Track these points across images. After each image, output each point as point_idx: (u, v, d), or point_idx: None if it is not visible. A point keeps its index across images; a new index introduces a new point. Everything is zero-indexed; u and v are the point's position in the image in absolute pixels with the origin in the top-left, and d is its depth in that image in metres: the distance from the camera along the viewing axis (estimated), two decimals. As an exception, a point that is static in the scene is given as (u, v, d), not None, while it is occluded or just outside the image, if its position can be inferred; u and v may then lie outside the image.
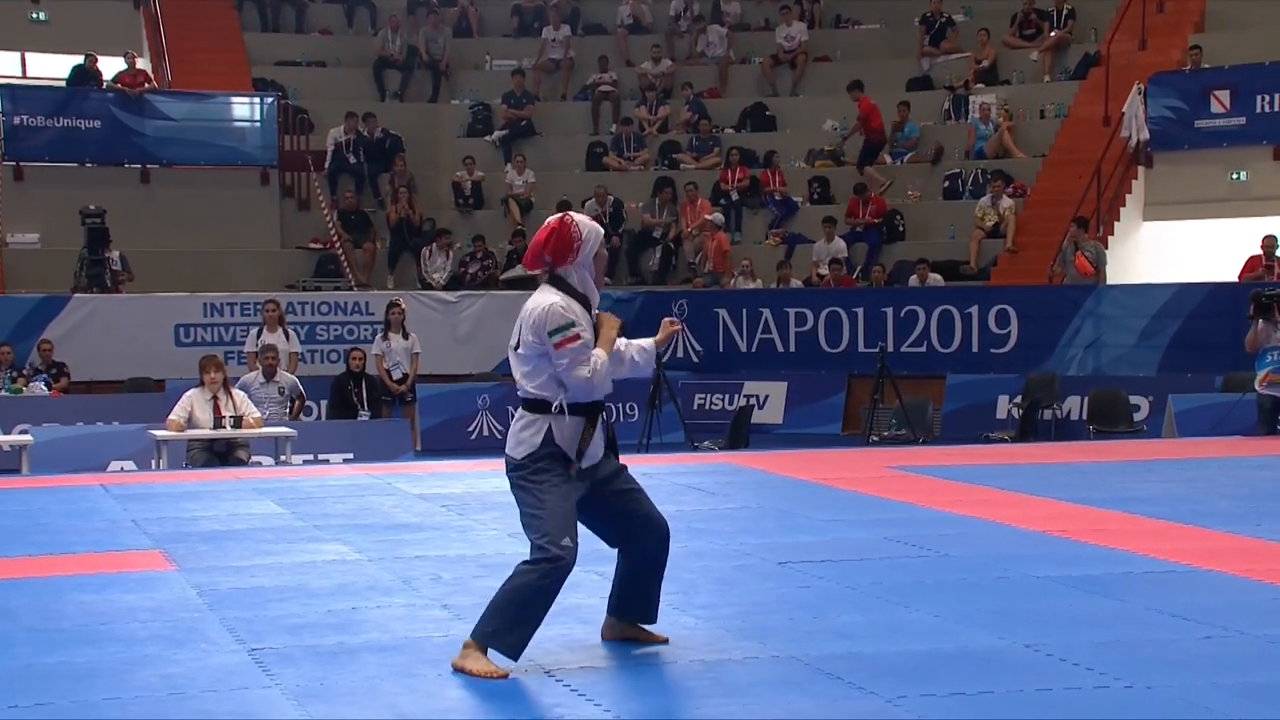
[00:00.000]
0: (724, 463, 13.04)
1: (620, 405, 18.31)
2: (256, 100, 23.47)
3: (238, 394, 14.50)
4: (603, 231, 6.08)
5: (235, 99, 23.51)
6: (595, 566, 6.74)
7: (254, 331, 17.87)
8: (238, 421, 14.07)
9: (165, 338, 19.47)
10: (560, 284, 5.88)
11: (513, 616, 5.74)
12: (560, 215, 5.96)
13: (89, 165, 22.49)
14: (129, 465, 14.82)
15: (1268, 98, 20.76)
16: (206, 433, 14.05)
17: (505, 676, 5.68)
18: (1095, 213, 20.81)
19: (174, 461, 14.22)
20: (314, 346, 19.64)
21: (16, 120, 22.07)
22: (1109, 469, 12.11)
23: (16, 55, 25.12)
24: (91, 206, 19.83)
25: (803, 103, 24.97)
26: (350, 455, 15.61)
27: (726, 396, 20.11)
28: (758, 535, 8.89)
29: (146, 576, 7.83)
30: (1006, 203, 21.60)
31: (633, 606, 6.20)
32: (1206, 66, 21.56)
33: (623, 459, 6.13)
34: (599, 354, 5.85)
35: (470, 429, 18.71)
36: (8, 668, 5.97)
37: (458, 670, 5.77)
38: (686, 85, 25.26)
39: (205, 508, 10.22)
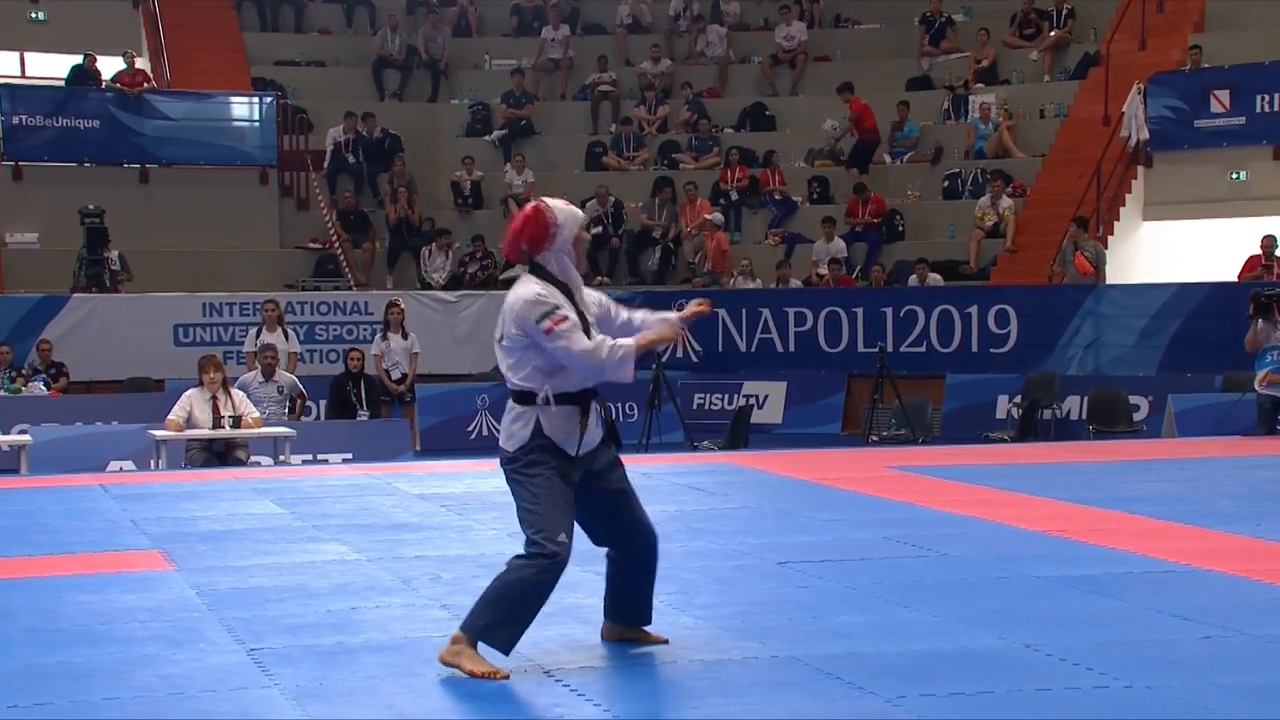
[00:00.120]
0: (723, 462, 13.03)
1: (620, 405, 18.27)
2: (255, 100, 23.46)
3: (237, 394, 14.49)
4: (581, 215, 5.96)
5: (234, 99, 23.50)
6: (594, 566, 6.72)
7: (253, 331, 17.85)
8: (237, 421, 14.06)
9: (164, 338, 19.47)
10: (540, 272, 5.81)
11: (506, 611, 5.68)
12: (534, 202, 5.88)
13: (88, 165, 22.47)
14: (128, 465, 14.82)
15: (1267, 97, 20.75)
16: (205, 433, 14.04)
17: (506, 677, 5.65)
18: (1095, 212, 20.80)
19: (173, 461, 14.21)
20: (313, 346, 19.63)
21: (15, 120, 22.07)
22: (1109, 469, 12.09)
23: (15, 55, 25.11)
24: (90, 206, 19.82)
25: (802, 102, 24.94)
26: (349, 455, 15.59)
27: (726, 396, 20.10)
28: (757, 535, 8.87)
29: (145, 576, 7.82)
30: (1006, 202, 21.58)
31: (627, 612, 6.17)
32: (1206, 66, 21.54)
33: (622, 459, 6.07)
34: (625, 341, 5.77)
35: (469, 429, 18.70)
36: (7, 668, 5.96)
37: (448, 665, 5.69)
38: (686, 85, 25.24)
39: (204, 508, 10.22)
